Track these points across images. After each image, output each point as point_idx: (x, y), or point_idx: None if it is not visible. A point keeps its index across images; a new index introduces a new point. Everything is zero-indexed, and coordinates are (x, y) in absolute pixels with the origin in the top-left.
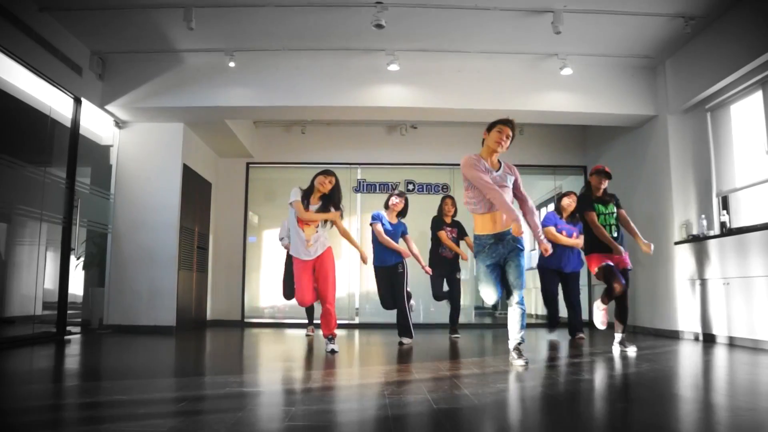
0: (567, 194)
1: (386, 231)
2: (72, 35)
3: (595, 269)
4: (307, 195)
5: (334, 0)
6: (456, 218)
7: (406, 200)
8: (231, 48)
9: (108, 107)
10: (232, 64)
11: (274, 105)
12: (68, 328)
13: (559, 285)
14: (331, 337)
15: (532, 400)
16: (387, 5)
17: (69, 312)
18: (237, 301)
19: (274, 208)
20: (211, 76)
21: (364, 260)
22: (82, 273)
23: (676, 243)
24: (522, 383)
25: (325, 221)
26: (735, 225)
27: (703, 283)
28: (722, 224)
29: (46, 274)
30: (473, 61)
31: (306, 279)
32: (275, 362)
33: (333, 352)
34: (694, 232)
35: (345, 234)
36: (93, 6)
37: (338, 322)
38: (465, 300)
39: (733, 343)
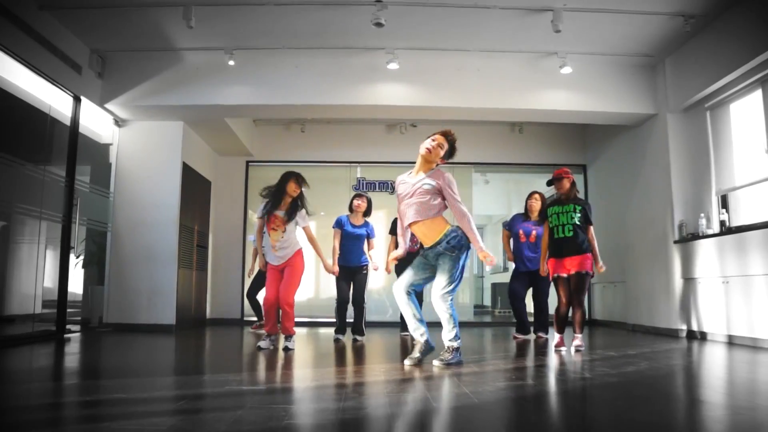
0: (531, 195)
1: (348, 234)
2: (71, 33)
3: (551, 276)
4: (276, 202)
5: None
6: None
7: (369, 200)
8: (230, 46)
9: (107, 105)
10: (231, 63)
11: (273, 103)
12: (68, 326)
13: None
14: (288, 336)
15: (531, 399)
16: (386, 3)
17: (69, 310)
18: (237, 300)
19: None
20: (211, 74)
21: (328, 270)
22: (82, 271)
23: (676, 242)
24: (521, 382)
25: (293, 223)
26: (734, 224)
27: (703, 281)
28: (721, 223)
29: (46, 272)
30: (473, 59)
31: (274, 282)
32: (275, 360)
33: (286, 349)
34: (694, 230)
35: (312, 241)
36: (92, 4)
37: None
38: (465, 298)
39: (732, 342)
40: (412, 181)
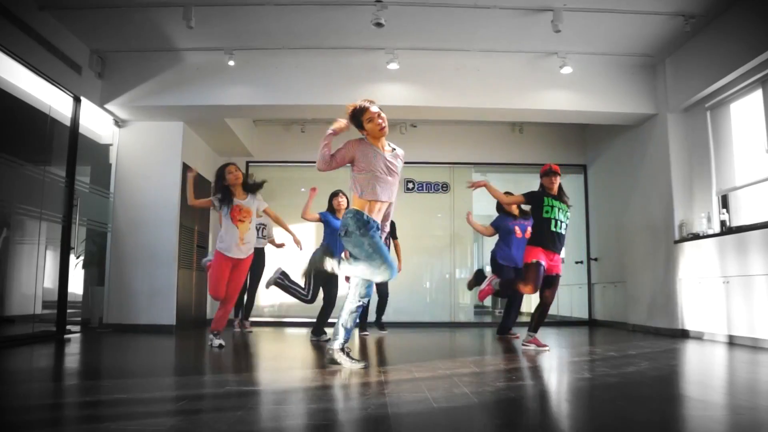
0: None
1: (334, 228)
2: (71, 34)
3: (530, 260)
4: (227, 194)
5: None
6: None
7: (347, 197)
8: (230, 47)
9: (107, 106)
10: (231, 63)
11: (273, 103)
12: (68, 327)
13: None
14: (216, 333)
15: (531, 399)
16: (386, 3)
17: (69, 311)
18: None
19: (273, 207)
20: (211, 74)
21: (297, 244)
22: (82, 272)
23: (676, 242)
24: (521, 382)
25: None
26: (735, 223)
27: (703, 281)
28: (722, 223)
29: (46, 273)
30: (473, 59)
31: (225, 273)
32: (275, 361)
33: (221, 347)
34: (694, 230)
35: (278, 220)
36: (92, 5)
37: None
38: (465, 299)
39: (732, 342)
40: (397, 162)
